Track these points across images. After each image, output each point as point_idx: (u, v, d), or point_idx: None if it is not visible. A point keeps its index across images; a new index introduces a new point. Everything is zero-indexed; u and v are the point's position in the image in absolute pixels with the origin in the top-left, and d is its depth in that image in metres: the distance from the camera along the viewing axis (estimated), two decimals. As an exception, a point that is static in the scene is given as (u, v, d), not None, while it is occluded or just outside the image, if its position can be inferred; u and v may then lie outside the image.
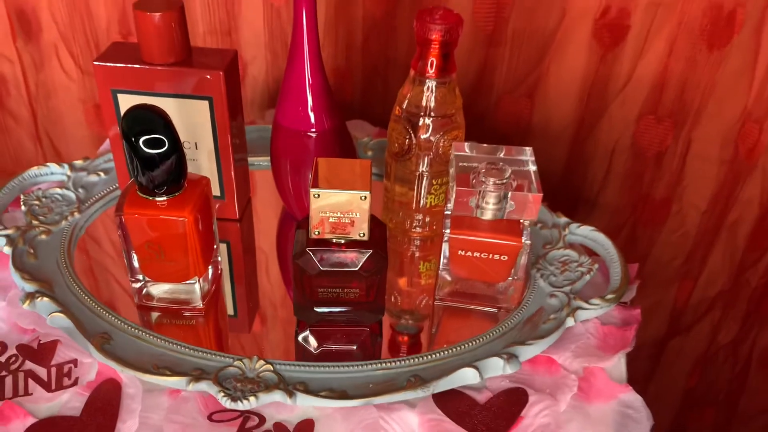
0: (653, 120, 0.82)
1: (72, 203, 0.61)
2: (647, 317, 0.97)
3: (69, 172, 0.64)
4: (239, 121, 0.60)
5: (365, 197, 0.45)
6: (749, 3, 0.72)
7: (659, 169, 0.85)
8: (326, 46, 0.84)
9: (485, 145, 0.54)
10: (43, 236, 0.57)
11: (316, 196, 0.45)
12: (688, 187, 0.86)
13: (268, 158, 0.63)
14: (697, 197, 0.87)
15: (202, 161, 0.59)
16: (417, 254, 0.63)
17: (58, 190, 0.62)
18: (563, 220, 0.61)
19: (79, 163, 0.65)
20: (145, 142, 0.46)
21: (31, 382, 0.46)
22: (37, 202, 0.60)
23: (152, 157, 0.46)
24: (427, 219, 0.61)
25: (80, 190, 0.62)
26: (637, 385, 1.07)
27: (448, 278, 0.55)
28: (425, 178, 0.58)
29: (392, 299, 0.59)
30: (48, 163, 0.64)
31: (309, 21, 0.54)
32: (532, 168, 0.51)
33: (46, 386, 0.46)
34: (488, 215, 0.50)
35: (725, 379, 1.02)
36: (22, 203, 0.60)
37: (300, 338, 0.52)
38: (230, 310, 0.57)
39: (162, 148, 0.46)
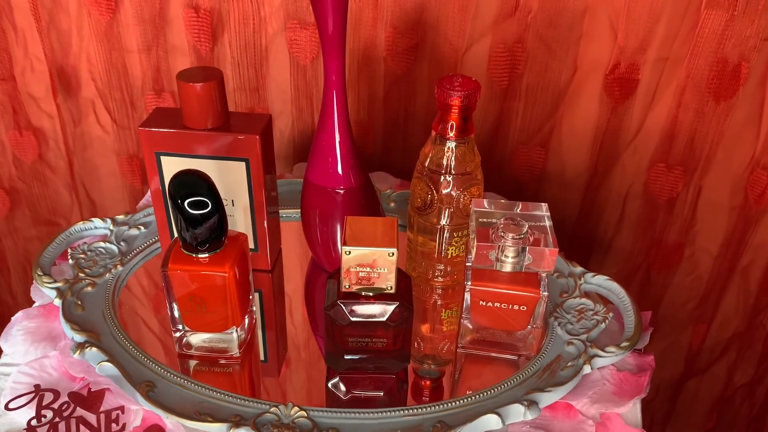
0: (664, 168, 0.84)
1: (115, 256, 0.65)
2: (662, 359, 0.99)
3: (111, 227, 0.68)
4: (273, 179, 0.64)
5: (393, 254, 0.49)
6: (753, 57, 0.75)
7: (671, 215, 0.87)
8: (350, 100, 0.86)
9: (503, 201, 0.57)
10: (89, 288, 0.61)
11: (348, 253, 0.49)
12: (700, 233, 0.88)
13: (297, 210, 0.67)
14: (709, 242, 0.88)
15: (238, 216, 0.63)
16: (439, 302, 0.66)
17: (102, 244, 0.66)
18: (578, 269, 0.64)
19: (121, 217, 0.69)
20: (190, 204, 0.50)
21: (82, 427, 0.50)
22: (83, 256, 0.64)
23: (196, 218, 0.50)
24: (449, 269, 0.64)
25: (122, 243, 0.67)
26: (655, 427, 1.08)
27: (470, 326, 0.58)
28: (446, 230, 0.61)
29: (415, 345, 0.62)
30: (92, 218, 0.68)
31: (338, 88, 0.58)
32: (548, 223, 0.54)
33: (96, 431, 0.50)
34: (507, 268, 0.54)
35: (744, 421, 1.02)
36: (69, 257, 0.64)
37: (330, 385, 0.55)
38: (262, 356, 0.60)
39: (205, 209, 0.50)
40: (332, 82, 0.57)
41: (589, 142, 0.85)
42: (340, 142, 0.60)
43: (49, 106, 0.95)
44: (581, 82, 0.81)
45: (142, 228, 0.69)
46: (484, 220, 0.55)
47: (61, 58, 0.90)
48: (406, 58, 0.84)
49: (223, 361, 0.57)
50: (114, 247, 0.66)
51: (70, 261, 0.63)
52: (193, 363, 0.57)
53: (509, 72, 0.82)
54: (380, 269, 0.49)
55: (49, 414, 0.50)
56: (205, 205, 0.50)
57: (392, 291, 0.51)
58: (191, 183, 0.50)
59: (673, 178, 0.85)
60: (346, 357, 0.53)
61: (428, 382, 0.61)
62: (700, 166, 0.83)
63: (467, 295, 0.55)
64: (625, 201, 0.88)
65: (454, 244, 0.62)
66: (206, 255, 0.52)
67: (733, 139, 0.80)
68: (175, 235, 0.59)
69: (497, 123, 0.86)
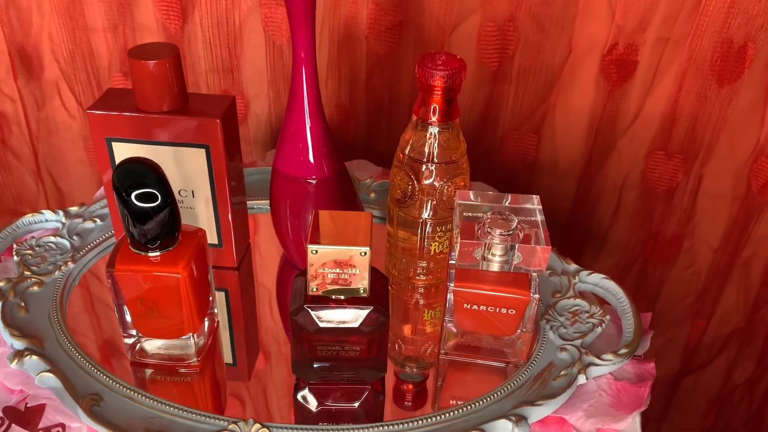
0: (663, 156, 0.81)
1: (66, 252, 0.60)
2: (659, 356, 0.96)
3: (64, 219, 0.62)
4: (237, 168, 0.59)
5: (365, 253, 0.43)
6: (760, 38, 0.71)
7: (670, 206, 0.85)
8: (330, 83, 0.84)
9: (490, 192, 0.52)
10: (35, 288, 0.55)
11: (314, 252, 0.43)
12: (699, 224, 0.85)
13: (267, 201, 0.62)
14: (709, 234, 0.86)
15: (200, 209, 0.57)
16: (421, 302, 0.61)
17: (52, 239, 0.60)
18: (573, 267, 0.60)
19: (74, 209, 0.64)
20: (138, 197, 0.44)
21: (17, 447, 0.45)
22: (30, 251, 0.58)
23: (144, 212, 0.45)
24: (432, 266, 0.59)
25: (75, 237, 0.61)
26: (651, 425, 1.05)
27: (454, 330, 0.53)
28: (429, 224, 0.56)
29: (396, 348, 0.58)
30: (42, 210, 0.63)
31: (308, 65, 0.52)
32: (540, 218, 0.49)
33: (33, 452, 0.44)
34: (495, 267, 0.49)
35: (742, 419, 1.00)
36: (14, 253, 0.58)
37: (299, 396, 0.50)
38: (228, 359, 0.55)
39: (155, 202, 0.44)
40: (301, 59, 0.52)
41: (585, 128, 0.82)
42: (311, 127, 0.54)
43: (10, 88, 0.90)
44: (576, 64, 0.78)
45: (98, 221, 0.63)
46: (470, 214, 0.49)
47: (21, 38, 0.85)
48: (390, 37, 0.80)
49: (183, 370, 0.52)
50: (66, 242, 0.60)
51: (15, 258, 0.58)
52: (149, 372, 0.52)
53: (500, 53, 0.78)
54: (352, 270, 0.44)
55: (-19, 432, 0.45)
56: (155, 198, 0.44)
57: (366, 294, 0.45)
58: (138, 173, 0.44)
59: (672, 166, 0.82)
60: (315, 366, 0.48)
61: (410, 386, 0.56)
62: (701, 153, 0.80)
63: (450, 296, 0.50)
64: (621, 191, 0.85)
65: (437, 239, 0.57)
66: (157, 253, 0.46)
67: (737, 126, 0.77)
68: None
69: (486, 108, 0.83)
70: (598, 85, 0.78)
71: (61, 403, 0.47)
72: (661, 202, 0.85)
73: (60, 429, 0.46)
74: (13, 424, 0.46)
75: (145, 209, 0.44)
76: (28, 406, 0.47)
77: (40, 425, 0.46)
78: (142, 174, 0.44)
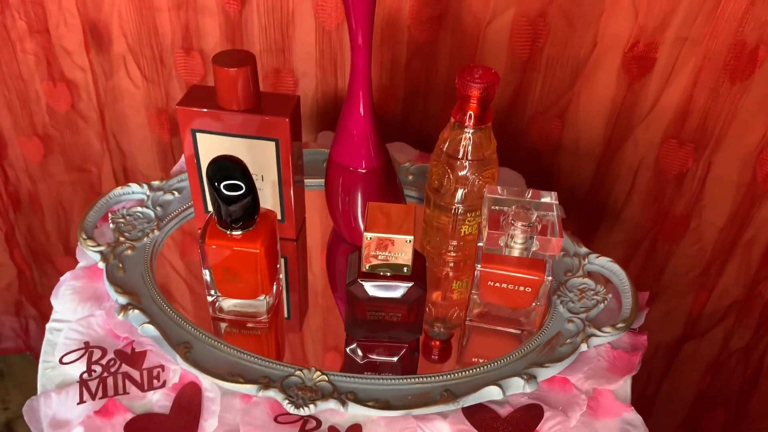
0: (676, 144, 0.86)
1: (152, 221, 0.70)
2: (664, 321, 1.03)
3: (148, 192, 0.72)
4: (299, 154, 0.68)
5: (409, 240, 0.53)
6: None
7: (680, 189, 0.89)
8: (374, 65, 0.87)
9: (515, 188, 0.60)
10: (129, 251, 0.66)
11: (369, 238, 0.53)
12: (706, 206, 0.90)
13: (320, 180, 0.71)
14: (715, 215, 0.90)
15: (267, 190, 0.67)
16: (450, 274, 0.71)
17: (139, 209, 0.70)
18: (583, 250, 0.68)
19: (156, 183, 0.74)
20: (226, 186, 0.54)
21: (127, 382, 0.56)
22: (122, 220, 0.69)
23: (231, 199, 0.54)
24: (461, 244, 0.69)
25: (158, 208, 0.71)
26: (652, 383, 1.12)
27: (478, 302, 0.62)
28: (461, 210, 0.65)
29: (427, 310, 0.67)
30: (129, 183, 0.73)
31: (364, 77, 0.61)
32: (556, 213, 0.58)
33: (140, 387, 0.56)
34: (515, 253, 0.58)
35: (737, 382, 1.06)
36: (110, 221, 0.69)
37: (348, 350, 0.60)
38: (286, 315, 0.65)
39: (240, 191, 0.54)
40: (359, 72, 0.60)
41: (605, 115, 0.86)
42: (364, 123, 0.63)
43: (82, 60, 0.97)
44: (600, 58, 0.82)
45: (176, 193, 0.73)
46: (496, 207, 0.58)
47: (94, 14, 0.92)
48: (429, 28, 0.85)
49: (251, 325, 0.62)
50: (150, 212, 0.70)
51: (111, 225, 0.68)
52: (223, 325, 0.63)
53: (530, 44, 0.83)
54: (398, 254, 0.54)
55: (98, 369, 0.57)
56: (239, 188, 0.54)
57: (408, 273, 0.55)
58: (227, 167, 0.54)
59: (683, 153, 0.86)
60: (363, 327, 0.58)
61: (438, 343, 0.66)
62: (711, 143, 0.84)
63: (477, 274, 0.60)
64: (636, 173, 0.90)
65: (467, 223, 0.66)
66: (239, 232, 0.57)
67: (746, 119, 0.81)
68: (208, 202, 0.64)
69: (516, 93, 0.88)
70: (619, 78, 0.82)
71: (160, 349, 0.58)
72: (671, 186, 0.89)
73: (160, 369, 0.57)
74: (123, 364, 0.57)
75: (232, 197, 0.54)
76: (134, 350, 0.58)
77: (144, 365, 0.57)
78: (231, 168, 0.54)
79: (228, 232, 0.57)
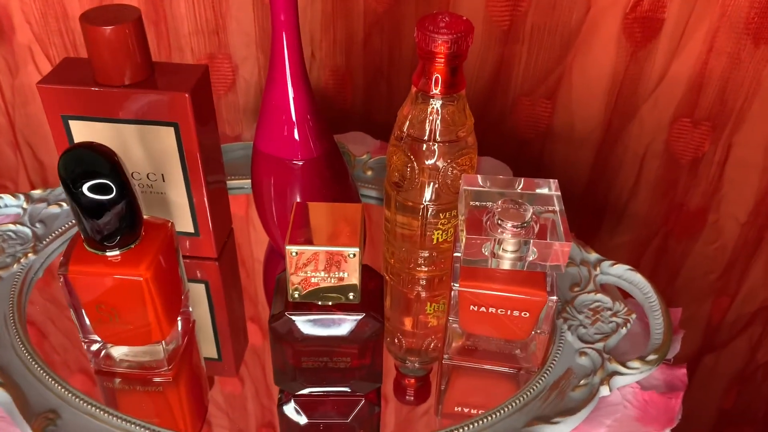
0: (689, 123, 0.77)
1: (27, 241, 0.54)
2: None
3: (25, 204, 0.57)
4: (213, 146, 0.52)
5: (354, 255, 0.37)
6: None
7: (694, 177, 0.81)
8: (324, 43, 0.79)
9: (501, 177, 0.45)
10: (-10, 284, 0.50)
11: (294, 254, 0.37)
12: (726, 197, 0.82)
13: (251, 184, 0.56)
14: (737, 207, 0.82)
15: (172, 194, 0.51)
16: (423, 294, 0.56)
17: (11, 226, 0.54)
18: (594, 256, 0.53)
19: (37, 193, 0.58)
20: (91, 188, 0.38)
21: (-39, 474, 0.39)
22: (-15, 242, 0.53)
23: (98, 205, 0.38)
24: (435, 255, 0.53)
25: (38, 225, 0.55)
26: None
27: (459, 331, 0.47)
28: (431, 210, 0.50)
29: (396, 341, 0.54)
30: (1, 195, 0.57)
31: (289, 29, 0.45)
32: (558, 207, 0.43)
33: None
34: (506, 264, 0.43)
35: (765, 400, 0.99)
36: (-32, 244, 0.52)
37: (284, 410, 0.44)
38: (212, 355, 0.50)
39: (109, 194, 0.38)
40: (281, 22, 0.45)
41: (604, 93, 0.77)
42: (294, 101, 0.48)
43: (-20, 53, 0.84)
44: (596, 22, 0.73)
45: (64, 205, 0.57)
46: (477, 203, 0.43)
47: (-12, -3, 0.80)
48: None
49: (157, 379, 0.46)
50: (27, 230, 0.54)
51: (-31, 249, 0.52)
52: (118, 381, 0.46)
53: (511, 10, 0.73)
54: (339, 273, 0.38)
55: None
56: (108, 190, 0.38)
57: (356, 300, 0.39)
58: (88, 160, 0.38)
59: (699, 135, 0.77)
60: (300, 378, 0.43)
61: (412, 381, 0.52)
62: (731, 121, 0.76)
63: (454, 296, 0.44)
64: (642, 161, 0.81)
65: (440, 227, 0.51)
66: (116, 252, 0.40)
67: None
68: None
69: (496, 71, 0.78)
70: (619, 46, 0.73)
71: (12, 421, 0.42)
72: (685, 174, 0.81)
73: (10, 453, 0.41)
74: (-43, 448, 0.41)
75: (99, 202, 0.38)
76: (-26, 426, 0.42)
77: (-11, 448, 0.41)
78: (93, 161, 0.38)
79: (100, 253, 0.40)
